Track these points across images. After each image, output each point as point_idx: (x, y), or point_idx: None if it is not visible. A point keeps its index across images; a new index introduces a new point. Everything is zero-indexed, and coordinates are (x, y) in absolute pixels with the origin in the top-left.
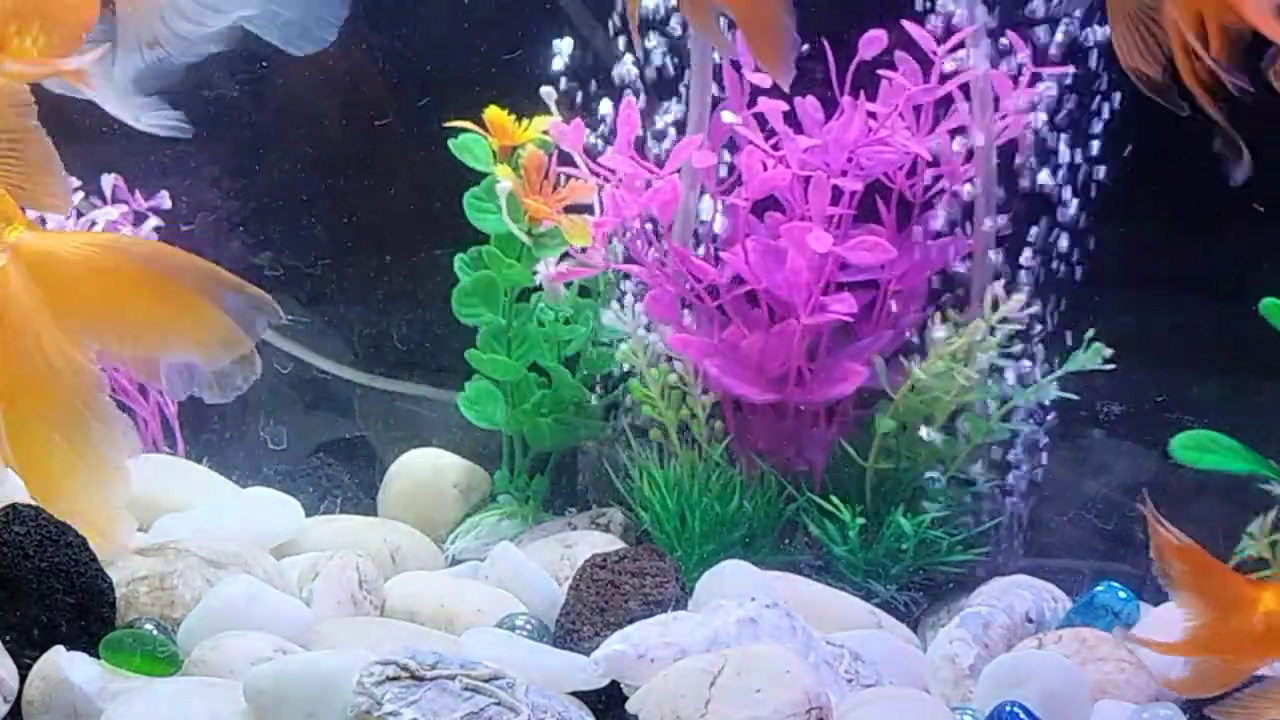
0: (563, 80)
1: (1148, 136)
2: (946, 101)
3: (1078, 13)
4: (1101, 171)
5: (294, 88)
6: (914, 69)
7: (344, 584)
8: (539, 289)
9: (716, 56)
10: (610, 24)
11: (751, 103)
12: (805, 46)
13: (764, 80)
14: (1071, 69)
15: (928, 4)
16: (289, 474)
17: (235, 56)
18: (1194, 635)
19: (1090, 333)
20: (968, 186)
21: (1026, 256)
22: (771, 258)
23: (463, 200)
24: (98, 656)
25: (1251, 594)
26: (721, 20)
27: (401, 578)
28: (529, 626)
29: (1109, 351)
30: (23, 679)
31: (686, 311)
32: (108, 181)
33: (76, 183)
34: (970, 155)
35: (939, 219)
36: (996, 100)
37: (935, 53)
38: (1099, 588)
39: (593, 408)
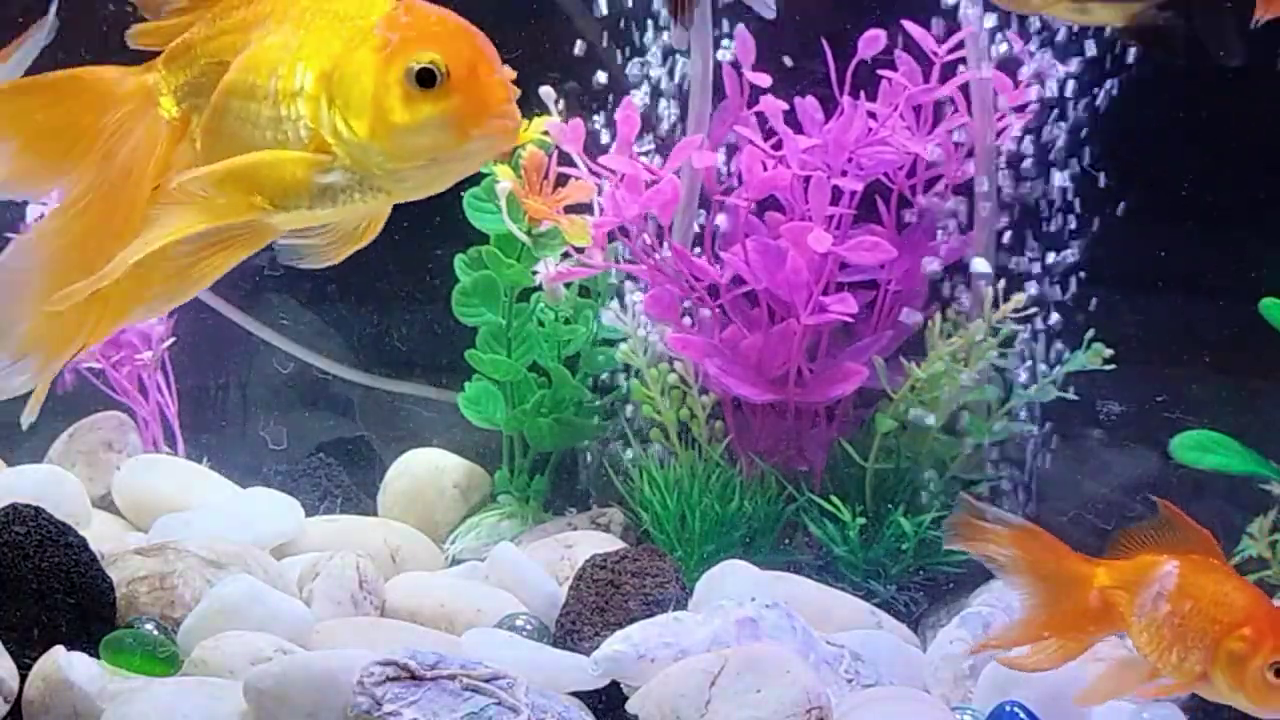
0: (563, 80)
1: (1147, 136)
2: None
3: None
4: (1101, 171)
5: None
6: (914, 69)
7: (344, 584)
8: (539, 289)
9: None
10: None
11: (752, 102)
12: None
13: (764, 80)
14: (1069, 68)
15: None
16: (289, 474)
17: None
18: (1034, 617)
19: (1090, 333)
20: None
21: (1027, 256)
22: (771, 258)
23: (463, 200)
24: (98, 656)
25: (1087, 571)
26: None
27: (401, 578)
28: (529, 626)
29: (1109, 352)
30: (23, 679)
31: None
32: None
33: None
34: (970, 155)
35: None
36: (997, 100)
37: (935, 53)
38: None
39: (593, 408)
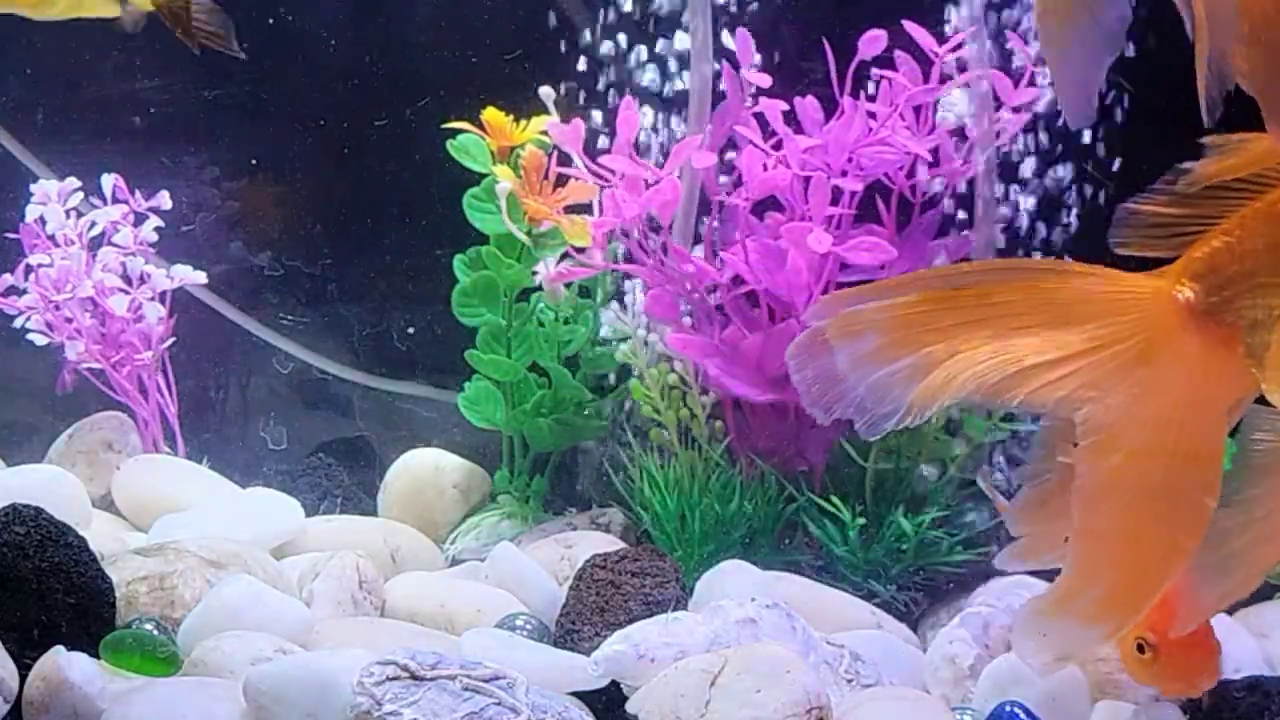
0: (563, 80)
1: (1143, 133)
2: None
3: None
4: (1096, 169)
5: (294, 87)
6: (914, 69)
7: (344, 584)
8: (539, 289)
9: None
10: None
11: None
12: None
13: (764, 80)
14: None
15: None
16: (289, 474)
17: (236, 55)
18: None
19: None
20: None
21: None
22: (771, 258)
23: (463, 200)
24: (98, 656)
25: None
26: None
27: (401, 578)
28: (529, 626)
29: None
30: (23, 679)
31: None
32: (108, 181)
33: (76, 183)
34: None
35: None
36: (997, 100)
37: (936, 52)
38: None
39: (593, 408)
